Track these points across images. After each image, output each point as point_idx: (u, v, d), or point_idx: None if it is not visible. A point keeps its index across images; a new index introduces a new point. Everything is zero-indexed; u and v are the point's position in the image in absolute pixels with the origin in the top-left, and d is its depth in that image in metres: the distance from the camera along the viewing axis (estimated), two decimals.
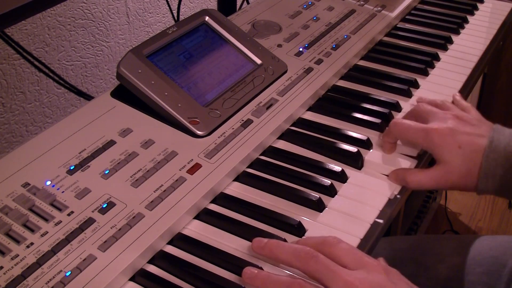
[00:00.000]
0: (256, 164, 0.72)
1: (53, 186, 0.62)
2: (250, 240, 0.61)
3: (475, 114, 0.72)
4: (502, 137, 0.66)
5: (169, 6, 1.30)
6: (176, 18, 1.27)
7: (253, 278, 0.54)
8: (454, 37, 1.02)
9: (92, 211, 0.60)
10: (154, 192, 0.63)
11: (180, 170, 0.66)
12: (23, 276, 0.53)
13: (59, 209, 0.60)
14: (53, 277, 0.53)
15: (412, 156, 0.73)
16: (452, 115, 0.70)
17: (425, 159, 0.74)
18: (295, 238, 0.61)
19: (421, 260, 0.86)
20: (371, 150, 0.74)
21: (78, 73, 1.37)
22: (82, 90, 1.26)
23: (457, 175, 0.67)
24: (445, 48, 0.99)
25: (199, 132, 0.71)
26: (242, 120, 0.74)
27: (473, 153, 0.66)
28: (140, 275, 0.57)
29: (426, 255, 0.87)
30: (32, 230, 0.57)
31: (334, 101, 0.84)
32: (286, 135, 0.77)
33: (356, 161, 0.72)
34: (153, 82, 0.72)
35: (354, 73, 0.91)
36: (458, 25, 1.05)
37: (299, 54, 0.88)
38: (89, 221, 0.59)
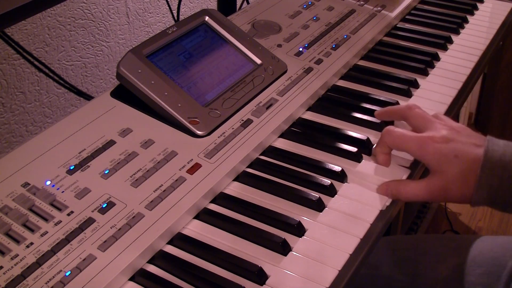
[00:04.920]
0: (256, 164, 0.72)
1: (53, 186, 0.62)
2: (250, 240, 0.61)
3: (466, 127, 0.70)
4: (496, 147, 0.64)
5: (169, 6, 1.30)
6: (176, 18, 1.27)
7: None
8: (454, 37, 1.02)
9: (92, 211, 0.60)
10: (154, 192, 0.63)
11: (180, 170, 0.66)
12: (23, 276, 0.53)
13: (59, 209, 0.60)
14: (53, 277, 0.53)
15: (405, 167, 0.72)
16: (446, 125, 0.68)
17: (419, 168, 0.73)
18: (295, 238, 0.61)
19: (421, 260, 0.86)
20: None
21: (78, 73, 1.37)
22: (82, 90, 1.26)
23: (454, 186, 0.65)
24: (445, 48, 0.99)
25: (199, 132, 0.71)
26: (242, 120, 0.74)
27: (470, 162, 0.64)
28: (139, 275, 0.57)
29: (426, 255, 0.87)
30: (32, 230, 0.57)
31: (334, 101, 0.84)
32: (286, 135, 0.77)
33: (356, 157, 0.72)
34: (153, 82, 0.72)
35: (354, 73, 0.91)
36: (458, 25, 1.05)
37: (299, 54, 0.88)
38: (89, 221, 0.59)
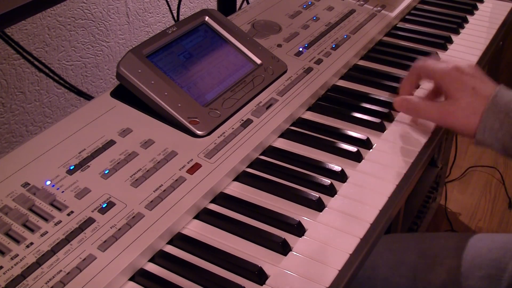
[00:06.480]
0: (256, 164, 0.72)
1: (53, 186, 0.62)
2: (250, 240, 0.61)
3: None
4: (506, 94, 0.70)
5: (169, 6, 1.30)
6: (176, 18, 1.27)
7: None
8: (454, 37, 1.02)
9: (92, 211, 0.60)
10: (154, 192, 0.63)
11: (180, 170, 0.66)
12: (23, 276, 0.53)
13: (59, 209, 0.60)
14: (53, 277, 0.53)
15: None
16: (469, 66, 0.75)
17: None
18: (295, 238, 0.61)
19: (419, 262, 0.86)
20: (371, 150, 0.74)
21: (78, 73, 1.37)
22: (82, 90, 1.26)
23: (463, 114, 0.71)
24: (445, 48, 0.99)
25: (199, 132, 0.71)
26: (242, 120, 0.74)
27: (482, 98, 0.70)
28: (139, 275, 0.57)
29: (424, 257, 0.86)
30: (32, 230, 0.57)
31: (334, 101, 0.84)
32: (286, 135, 0.77)
33: (356, 157, 0.72)
34: (153, 82, 0.72)
35: (354, 73, 0.91)
36: (458, 25, 1.05)
37: (299, 54, 0.88)
38: (89, 221, 0.59)
